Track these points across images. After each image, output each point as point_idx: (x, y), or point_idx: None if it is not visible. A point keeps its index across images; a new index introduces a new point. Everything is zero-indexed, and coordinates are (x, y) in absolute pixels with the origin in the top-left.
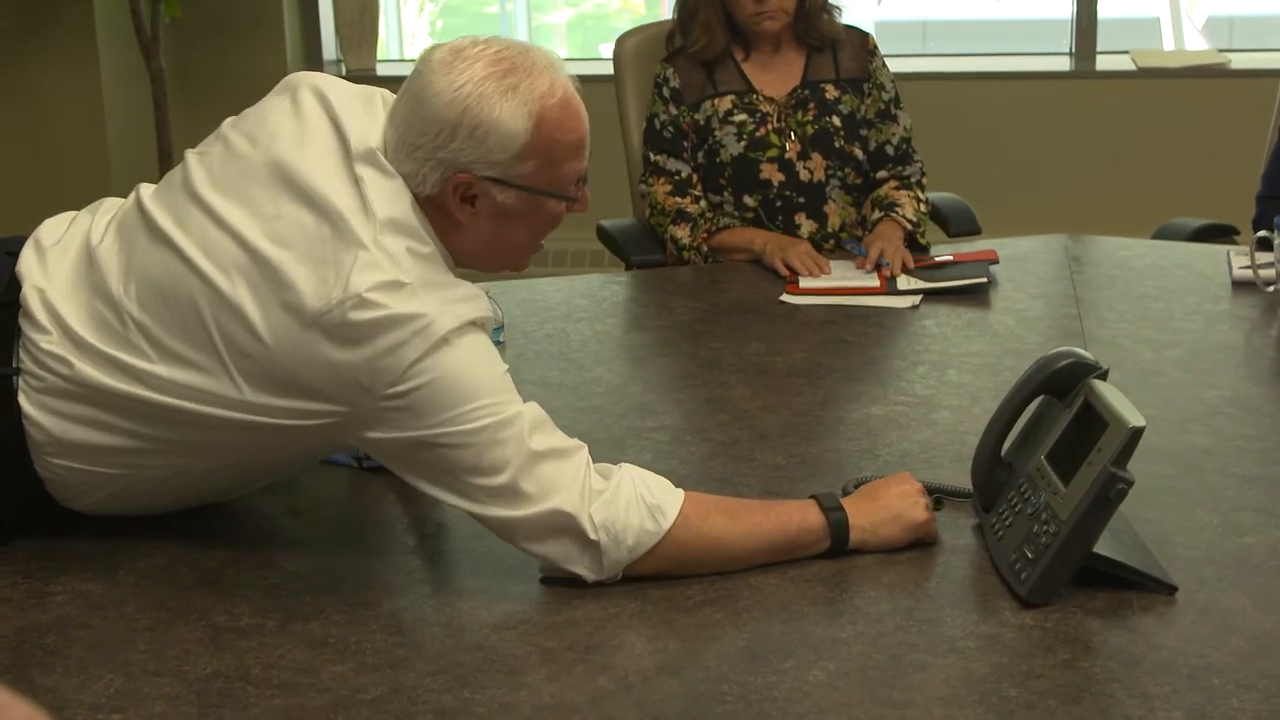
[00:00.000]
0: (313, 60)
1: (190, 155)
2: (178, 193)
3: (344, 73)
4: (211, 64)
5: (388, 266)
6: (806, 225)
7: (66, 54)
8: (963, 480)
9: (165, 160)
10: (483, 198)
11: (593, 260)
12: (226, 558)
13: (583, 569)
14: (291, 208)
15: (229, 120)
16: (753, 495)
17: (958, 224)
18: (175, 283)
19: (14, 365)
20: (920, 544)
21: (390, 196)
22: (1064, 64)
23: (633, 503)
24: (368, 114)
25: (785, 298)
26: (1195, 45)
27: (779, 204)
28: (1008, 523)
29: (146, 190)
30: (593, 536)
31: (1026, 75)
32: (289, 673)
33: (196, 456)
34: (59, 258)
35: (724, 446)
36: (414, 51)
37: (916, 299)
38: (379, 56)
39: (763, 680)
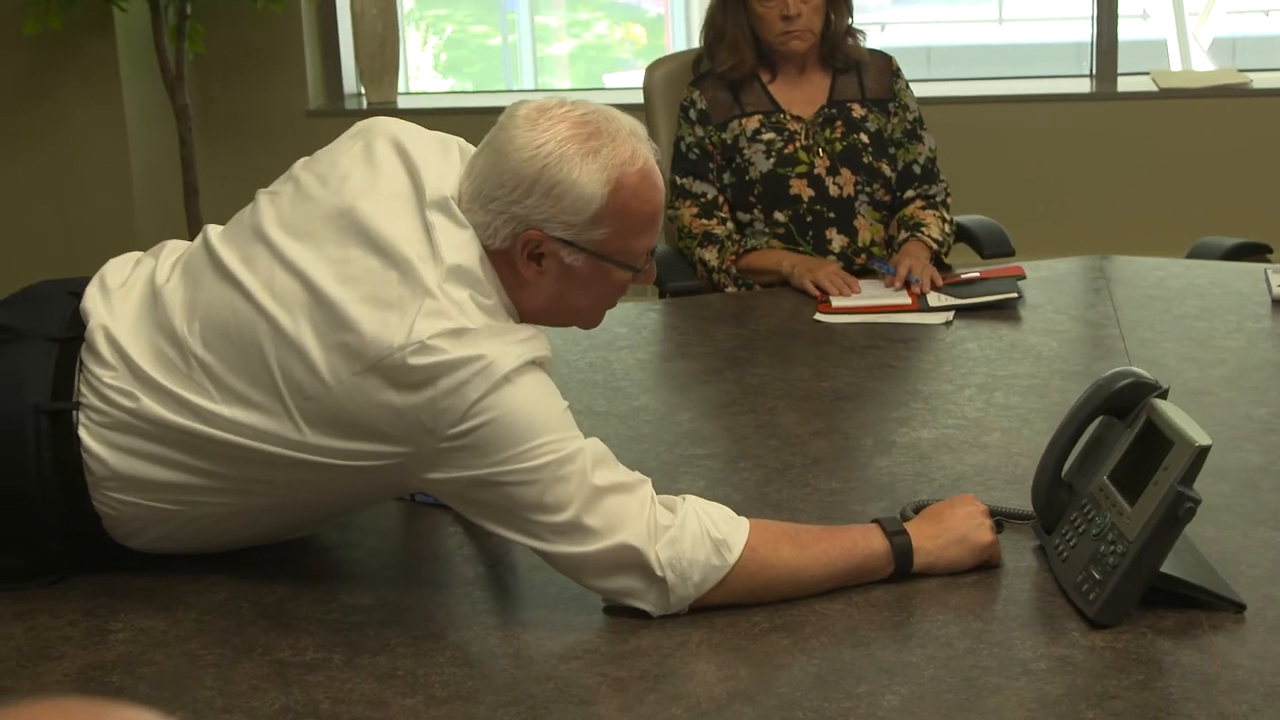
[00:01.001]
0: (333, 94)
1: (261, 195)
2: (246, 232)
3: (364, 106)
4: (234, 99)
5: (453, 314)
6: (838, 240)
7: (91, 90)
8: (1021, 502)
9: (190, 195)
10: (550, 257)
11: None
12: (286, 592)
13: (649, 605)
14: (359, 252)
15: (301, 160)
16: (810, 520)
17: (991, 245)
18: (239, 321)
19: (74, 400)
20: (985, 566)
21: (460, 245)
22: (1084, 85)
23: (699, 538)
24: (444, 162)
25: (819, 317)
26: (1201, 65)
27: (809, 219)
28: (1071, 544)
29: (214, 230)
30: (659, 574)
31: (1049, 97)
32: (359, 707)
33: (255, 495)
34: (124, 297)
35: (778, 472)
36: (419, 84)
37: (949, 315)
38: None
39: (837, 706)
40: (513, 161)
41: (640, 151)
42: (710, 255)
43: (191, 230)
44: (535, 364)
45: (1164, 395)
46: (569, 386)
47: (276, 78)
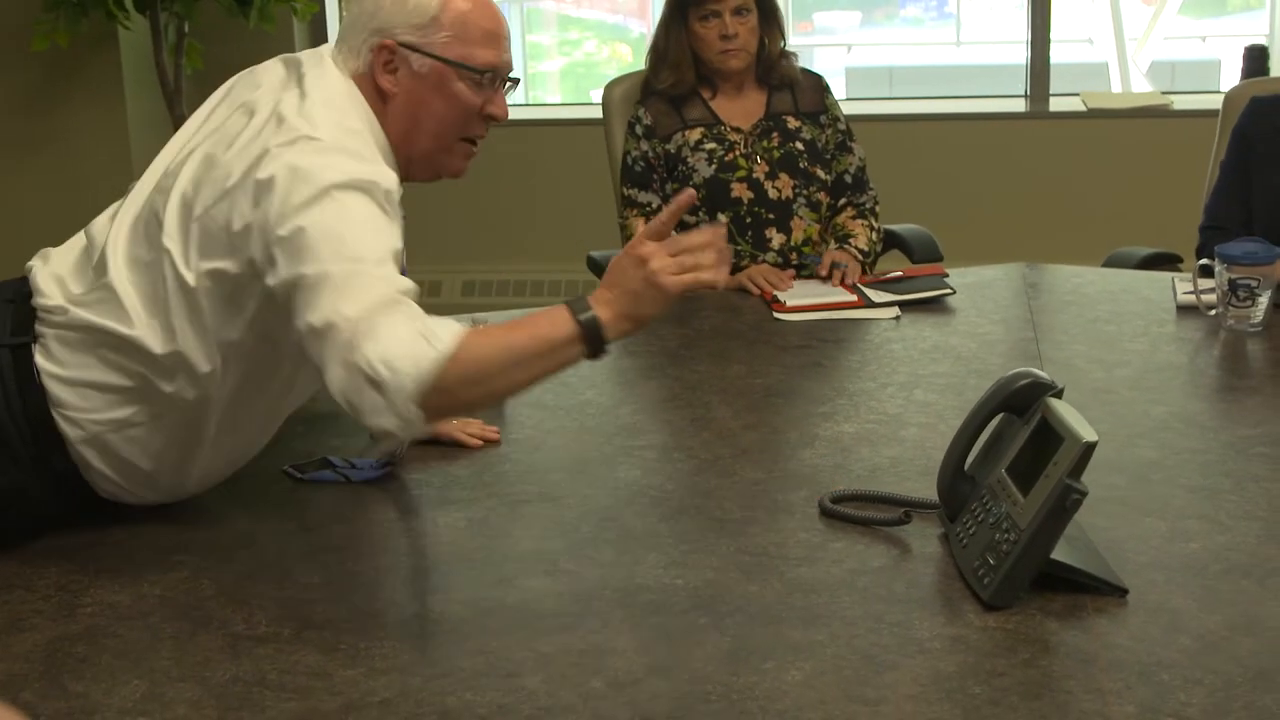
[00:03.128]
0: None
1: None
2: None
3: None
4: None
5: (302, 127)
6: (776, 239)
7: (95, 102)
8: (929, 493)
9: None
10: (402, 65)
11: (586, 289)
12: (244, 570)
13: (381, 416)
14: (238, 118)
15: None
16: (735, 508)
17: (921, 252)
18: (135, 201)
19: (32, 335)
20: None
21: (322, 82)
22: (1020, 105)
23: (412, 336)
24: (322, 47)
25: (777, 316)
26: (1141, 88)
27: (749, 220)
28: (971, 531)
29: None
30: (370, 373)
31: (985, 116)
32: (303, 677)
33: (183, 370)
34: (63, 252)
35: (708, 463)
36: None
37: (897, 310)
38: None
39: (744, 680)
40: None
41: None
42: None
43: None
44: (363, 185)
45: (1059, 395)
46: None
47: None
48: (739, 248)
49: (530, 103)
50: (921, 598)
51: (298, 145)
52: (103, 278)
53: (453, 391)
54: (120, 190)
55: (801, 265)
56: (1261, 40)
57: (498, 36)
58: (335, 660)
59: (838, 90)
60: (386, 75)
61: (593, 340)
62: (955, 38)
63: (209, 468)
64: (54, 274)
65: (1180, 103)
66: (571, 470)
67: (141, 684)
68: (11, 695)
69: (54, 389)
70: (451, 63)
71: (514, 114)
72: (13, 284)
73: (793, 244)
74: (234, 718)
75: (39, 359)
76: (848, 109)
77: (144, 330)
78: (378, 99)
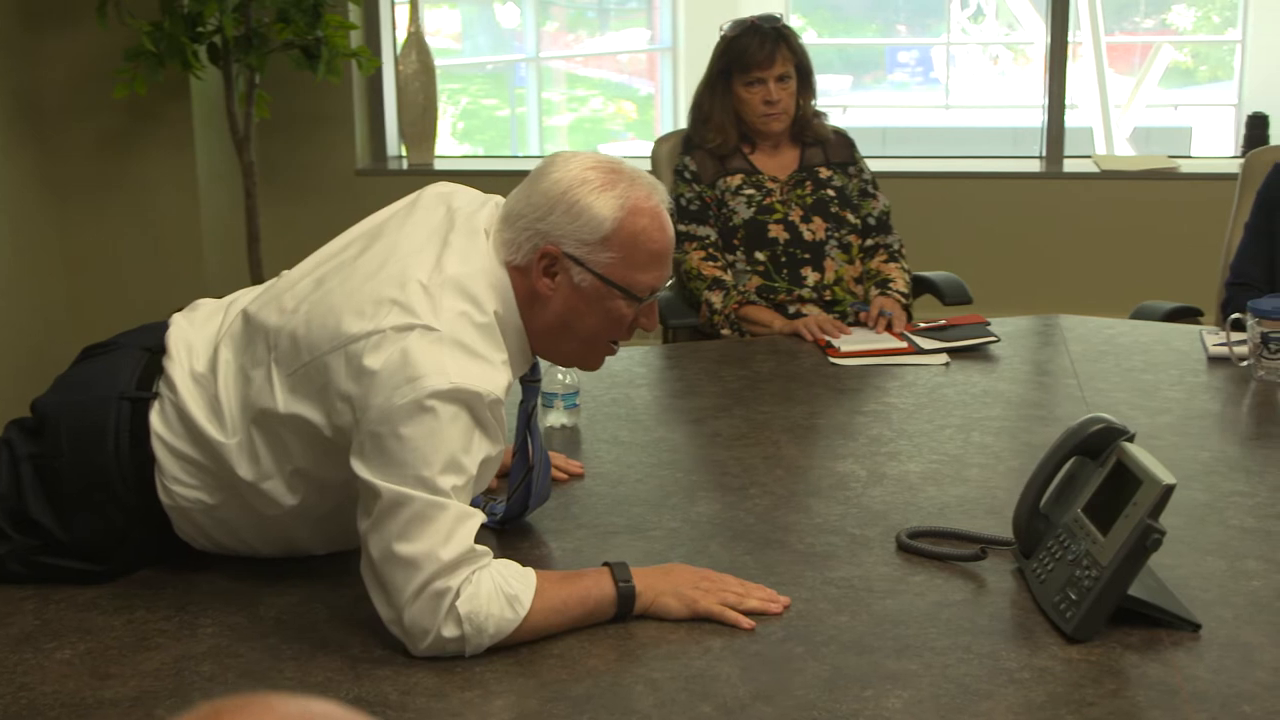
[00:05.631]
0: (378, 155)
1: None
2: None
3: (405, 166)
4: (292, 158)
5: (423, 312)
6: (811, 277)
7: (168, 148)
8: (1000, 530)
9: (253, 242)
10: (562, 274)
11: None
12: (353, 595)
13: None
14: (367, 258)
15: None
16: (816, 543)
17: (952, 295)
18: (261, 306)
19: (153, 391)
20: (975, 590)
21: (468, 259)
22: (1035, 166)
23: (493, 594)
24: (484, 206)
25: (833, 360)
26: (1123, 151)
27: (784, 259)
28: (1049, 568)
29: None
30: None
31: (1005, 175)
32: (423, 699)
33: (271, 490)
34: (202, 322)
35: (784, 499)
36: (437, 150)
37: (946, 357)
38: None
39: (847, 707)
40: (543, 185)
41: (656, 196)
42: (716, 299)
43: (253, 271)
44: (465, 397)
45: (1131, 439)
46: (596, 419)
47: (329, 139)
48: (776, 284)
49: (543, 154)
50: (1004, 630)
51: (413, 334)
52: (214, 369)
53: (505, 641)
54: (189, 230)
55: (836, 302)
56: (1230, 107)
57: (664, 257)
58: (452, 683)
59: None
60: (545, 279)
61: (625, 606)
62: (944, 101)
63: (309, 547)
64: (187, 340)
65: (1186, 166)
66: (654, 504)
67: None
68: (146, 710)
69: (159, 453)
70: (614, 285)
71: None
72: (159, 328)
73: (826, 282)
74: None
75: (154, 418)
76: (875, 165)
77: (234, 446)
78: (528, 294)
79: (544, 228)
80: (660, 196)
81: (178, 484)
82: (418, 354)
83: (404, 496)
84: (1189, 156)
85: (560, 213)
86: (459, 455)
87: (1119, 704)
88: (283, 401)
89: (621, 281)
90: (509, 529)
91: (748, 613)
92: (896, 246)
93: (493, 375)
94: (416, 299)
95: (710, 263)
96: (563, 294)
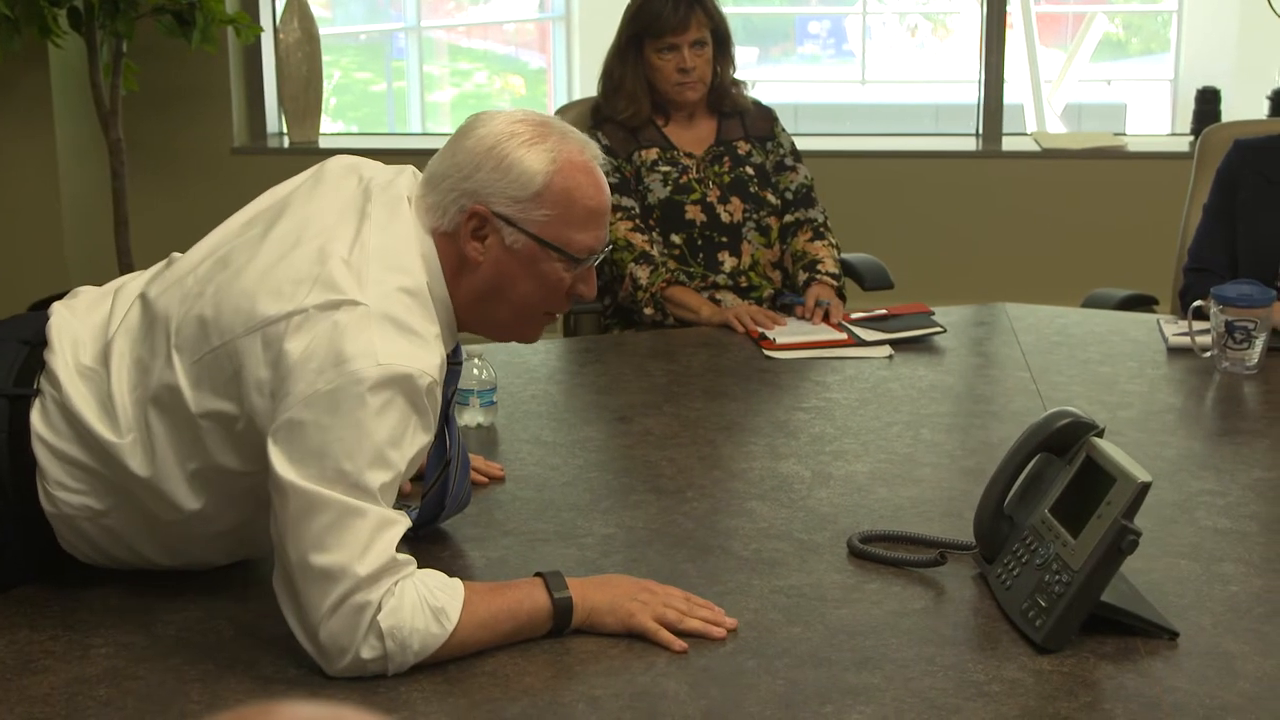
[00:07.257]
0: (257, 132)
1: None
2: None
3: (286, 145)
4: (162, 135)
5: (347, 287)
6: (728, 262)
7: (22, 125)
8: (959, 533)
9: (121, 227)
10: (493, 235)
11: None
12: (261, 609)
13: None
14: (278, 238)
15: None
16: (761, 549)
17: (872, 280)
18: (160, 293)
19: (34, 389)
20: (937, 596)
21: (390, 228)
22: (971, 144)
23: (417, 607)
24: (400, 174)
25: (767, 353)
26: (1055, 128)
27: (700, 242)
28: (1014, 573)
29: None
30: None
31: (938, 154)
32: None
33: (171, 492)
34: (86, 312)
35: (723, 502)
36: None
37: (889, 349)
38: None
39: None
40: (468, 142)
41: (589, 151)
42: (642, 274)
43: (121, 259)
44: (397, 381)
45: (1101, 434)
46: (516, 417)
47: (202, 114)
48: (691, 269)
49: (425, 132)
50: (969, 639)
51: (339, 312)
52: (106, 362)
53: (431, 658)
54: (48, 214)
55: (753, 288)
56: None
57: (601, 216)
58: (375, 704)
59: None
60: (474, 242)
61: (561, 620)
62: (860, 76)
63: (210, 558)
64: (71, 331)
65: (1134, 145)
66: (584, 509)
67: None
68: None
69: (41, 456)
70: (549, 244)
71: (429, 143)
72: (38, 319)
73: (741, 268)
74: None
75: (34, 418)
76: (799, 143)
77: (127, 444)
78: (456, 262)
79: (471, 186)
80: (593, 152)
81: (62, 489)
82: (344, 334)
83: (320, 499)
84: (1127, 134)
85: (488, 169)
86: (386, 449)
87: (1096, 717)
88: (186, 391)
89: (557, 241)
90: (422, 535)
91: (687, 634)
92: (821, 220)
93: (426, 354)
94: (339, 274)
95: (639, 234)
96: (493, 257)
